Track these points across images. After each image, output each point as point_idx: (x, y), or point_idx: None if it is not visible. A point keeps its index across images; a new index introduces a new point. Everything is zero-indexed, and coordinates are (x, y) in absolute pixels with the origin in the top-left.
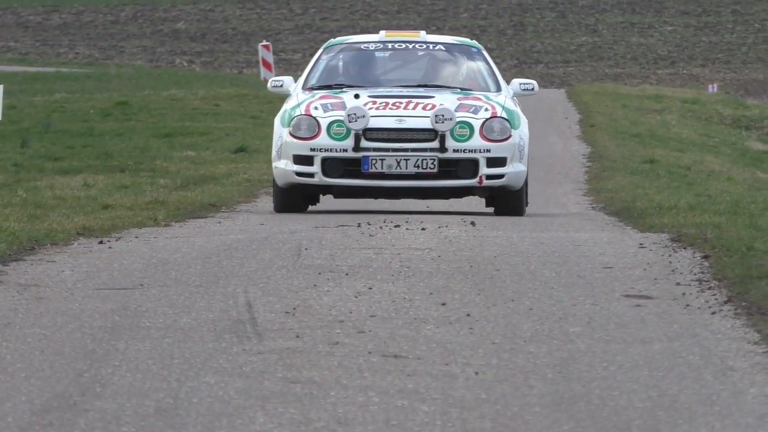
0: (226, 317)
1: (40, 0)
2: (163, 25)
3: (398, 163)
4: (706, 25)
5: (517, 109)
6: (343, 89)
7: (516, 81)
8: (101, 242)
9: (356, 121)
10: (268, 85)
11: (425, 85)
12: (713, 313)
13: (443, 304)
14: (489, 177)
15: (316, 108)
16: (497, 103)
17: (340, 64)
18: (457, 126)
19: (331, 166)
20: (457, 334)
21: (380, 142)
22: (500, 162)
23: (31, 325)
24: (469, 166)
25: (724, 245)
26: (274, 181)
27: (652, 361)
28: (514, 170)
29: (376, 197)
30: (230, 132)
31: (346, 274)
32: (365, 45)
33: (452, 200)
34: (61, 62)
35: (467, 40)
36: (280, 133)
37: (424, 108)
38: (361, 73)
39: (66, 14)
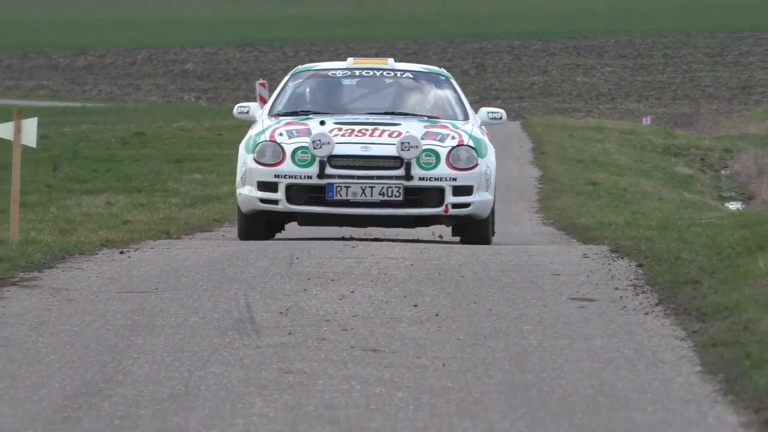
0: (229, 317)
1: (68, 44)
2: (173, 66)
3: (363, 190)
4: (641, 66)
5: (485, 138)
6: (309, 116)
7: (484, 110)
8: (121, 252)
9: (321, 147)
10: (234, 111)
11: (392, 113)
12: (646, 313)
13: (415, 306)
14: (455, 206)
15: (281, 134)
16: (464, 131)
17: (307, 90)
18: (423, 154)
19: (295, 193)
20: (427, 332)
21: (345, 169)
22: (466, 191)
23: (63, 323)
24: (435, 195)
25: (656, 255)
26: (238, 207)
27: (594, 355)
28: (480, 199)
29: (341, 225)
30: (232, 158)
31: (332, 280)
32: (332, 72)
33: (419, 228)
34: (86, 98)
35: (435, 68)
36: (245, 159)
37: (390, 135)
38: (327, 100)
39: (90, 57)
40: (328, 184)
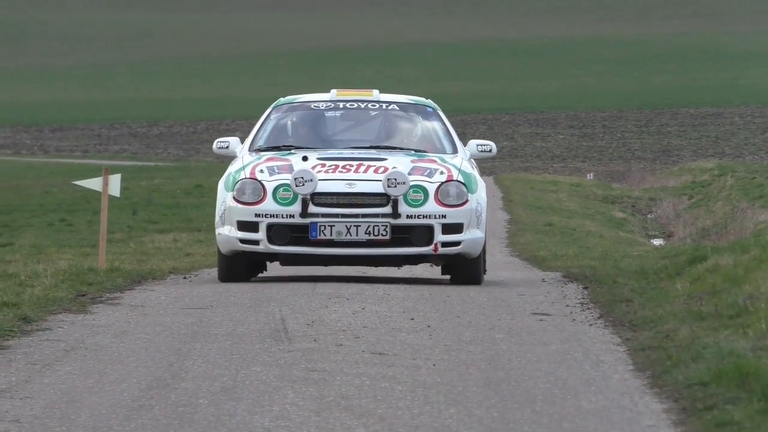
0: (267, 327)
1: (145, 117)
2: (225, 134)
3: (348, 229)
4: (585, 134)
5: (475, 172)
6: (292, 151)
7: (473, 142)
8: (185, 277)
9: (303, 185)
10: (214, 146)
11: (378, 147)
12: (590, 325)
13: (412, 319)
14: (444, 244)
15: (261, 171)
16: (453, 165)
17: (289, 124)
18: (411, 190)
19: (277, 232)
20: (421, 339)
21: (329, 207)
22: (456, 228)
23: (139, 332)
24: (424, 233)
25: (598, 280)
26: (218, 248)
27: (550, 357)
28: (471, 237)
29: (325, 264)
30: None
31: (347, 299)
32: (315, 104)
33: (407, 266)
34: (158, 159)
35: (422, 99)
36: (224, 197)
37: (375, 171)
38: (310, 133)
39: (162, 127)
40: (312, 223)
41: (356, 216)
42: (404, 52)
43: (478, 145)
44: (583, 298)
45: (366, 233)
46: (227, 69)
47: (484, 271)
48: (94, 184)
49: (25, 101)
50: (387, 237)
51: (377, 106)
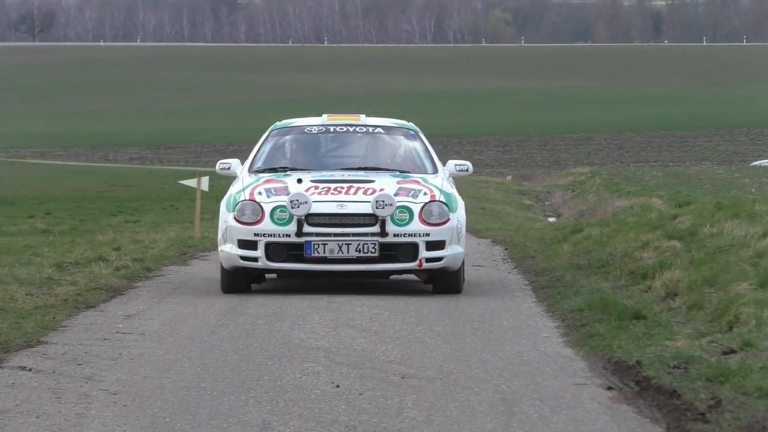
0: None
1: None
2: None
3: (340, 247)
4: (505, 150)
5: (454, 192)
6: (288, 172)
7: (451, 162)
8: None
9: (299, 207)
10: (216, 167)
11: (366, 168)
12: (509, 272)
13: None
14: (429, 260)
15: (260, 193)
16: (435, 186)
17: (285, 146)
18: (397, 210)
19: (274, 250)
20: (398, 285)
21: (322, 227)
22: (439, 245)
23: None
24: (409, 250)
25: (513, 243)
26: (220, 263)
27: (484, 293)
28: (452, 252)
29: (318, 278)
30: None
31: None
32: (309, 128)
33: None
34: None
35: (404, 123)
36: (225, 217)
37: (365, 193)
38: (304, 156)
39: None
40: (306, 242)
41: (347, 235)
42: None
43: (456, 165)
44: (504, 256)
45: (356, 251)
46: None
47: (463, 280)
48: (191, 182)
49: (149, 131)
50: (376, 254)
51: (364, 129)
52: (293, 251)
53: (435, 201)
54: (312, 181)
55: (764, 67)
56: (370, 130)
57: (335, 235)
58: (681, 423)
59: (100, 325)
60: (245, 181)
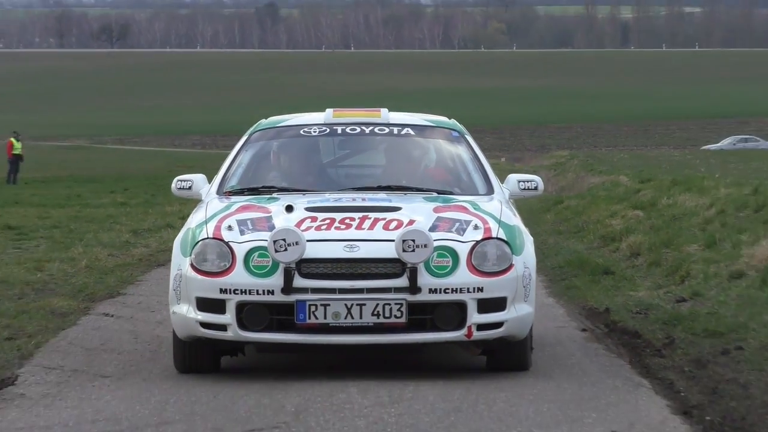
0: None
1: None
2: None
3: (349, 310)
4: (500, 138)
5: (519, 223)
6: (273, 195)
7: (514, 177)
8: None
9: (286, 250)
10: (173, 186)
11: (388, 188)
12: None
13: None
14: (482, 326)
15: (229, 228)
16: (490, 214)
17: (270, 155)
18: (435, 254)
19: (250, 314)
20: None
21: (323, 279)
22: (498, 304)
23: None
24: (454, 313)
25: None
26: (173, 331)
27: None
28: (517, 315)
29: (318, 353)
30: None
31: None
32: (305, 129)
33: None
34: None
35: (444, 120)
36: (179, 263)
37: (386, 227)
38: (297, 170)
39: None
40: (298, 301)
41: (360, 291)
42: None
43: (520, 182)
44: None
45: (374, 314)
46: None
47: (531, 348)
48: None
49: (207, 121)
50: (402, 320)
51: (386, 130)
52: (280, 315)
53: (492, 239)
54: (308, 209)
55: (713, 69)
56: (395, 130)
57: (342, 291)
58: (641, 358)
59: (168, 279)
60: (211, 208)
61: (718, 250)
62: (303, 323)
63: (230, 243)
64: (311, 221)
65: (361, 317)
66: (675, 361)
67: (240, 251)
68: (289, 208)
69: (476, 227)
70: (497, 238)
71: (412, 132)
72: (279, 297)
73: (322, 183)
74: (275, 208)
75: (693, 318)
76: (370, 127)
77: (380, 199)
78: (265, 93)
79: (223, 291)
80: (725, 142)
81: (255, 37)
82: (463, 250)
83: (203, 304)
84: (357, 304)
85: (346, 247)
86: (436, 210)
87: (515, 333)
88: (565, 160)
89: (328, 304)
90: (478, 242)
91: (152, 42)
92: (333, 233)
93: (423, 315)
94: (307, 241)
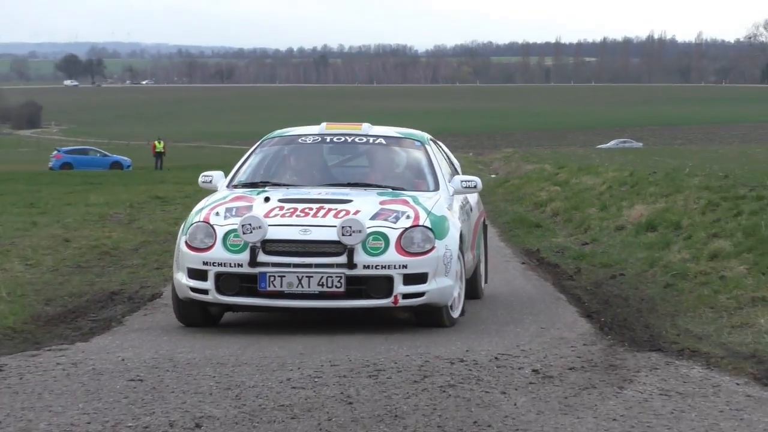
0: None
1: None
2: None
3: (300, 280)
4: (469, 140)
5: (448, 214)
6: (265, 188)
7: (458, 178)
8: None
9: (251, 232)
10: (199, 180)
11: (355, 184)
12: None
13: None
14: (406, 296)
15: (217, 213)
16: (424, 207)
17: (274, 158)
18: (371, 237)
19: (225, 282)
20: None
21: (281, 256)
22: (420, 278)
23: None
24: (383, 284)
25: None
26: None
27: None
28: (437, 286)
29: (276, 313)
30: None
31: None
32: (303, 138)
33: None
34: None
35: (413, 132)
36: (179, 240)
37: (336, 216)
38: (289, 169)
39: None
40: (261, 273)
41: (309, 266)
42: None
43: (462, 181)
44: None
45: (319, 285)
46: None
47: (462, 313)
48: None
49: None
50: (341, 289)
51: (364, 140)
52: (247, 283)
53: (419, 226)
54: (281, 200)
55: (603, 97)
56: (371, 140)
57: (295, 265)
58: (559, 280)
59: None
60: (214, 196)
61: (607, 211)
62: (264, 290)
63: (214, 225)
64: (279, 210)
65: (309, 287)
66: (581, 283)
67: (220, 232)
68: (267, 199)
69: (408, 217)
70: (423, 226)
71: (384, 142)
72: (246, 269)
73: (306, 180)
74: (258, 198)
75: (592, 255)
76: (353, 138)
77: (342, 193)
78: (319, 112)
79: (205, 263)
80: (611, 143)
81: (313, 76)
82: (393, 235)
83: (192, 273)
84: (306, 276)
85: (301, 230)
86: (382, 203)
87: (436, 301)
88: (509, 154)
89: (284, 276)
90: (406, 229)
91: (248, 79)
92: (293, 220)
93: (359, 286)
94: (271, 225)
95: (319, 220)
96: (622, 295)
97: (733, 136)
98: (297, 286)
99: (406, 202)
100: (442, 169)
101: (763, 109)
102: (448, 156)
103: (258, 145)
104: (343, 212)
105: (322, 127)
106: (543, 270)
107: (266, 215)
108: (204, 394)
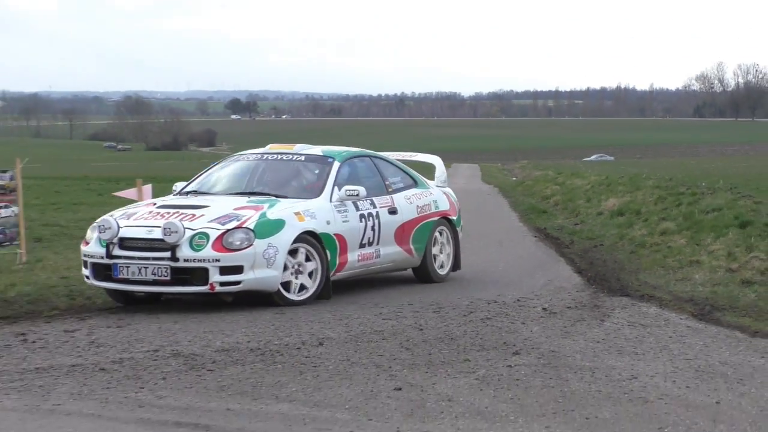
0: None
1: None
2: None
3: (140, 270)
4: (498, 156)
5: (287, 219)
6: (189, 196)
7: (346, 187)
8: None
9: (105, 232)
10: (173, 187)
11: (252, 193)
12: (501, 196)
13: None
14: (224, 284)
15: (111, 215)
16: (262, 214)
17: (221, 171)
18: (197, 236)
19: (95, 270)
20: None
21: (129, 250)
22: (236, 270)
23: None
24: (201, 274)
25: (502, 188)
26: None
27: (488, 205)
28: (255, 277)
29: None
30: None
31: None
32: (248, 156)
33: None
34: None
35: (333, 150)
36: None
37: (181, 219)
38: (225, 181)
39: None
40: (113, 264)
41: (147, 259)
42: None
43: (347, 190)
44: (498, 192)
45: (152, 274)
46: None
47: (459, 267)
48: (127, 193)
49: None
50: (168, 278)
51: (291, 157)
52: (107, 272)
53: (241, 228)
54: (161, 205)
55: (590, 129)
56: (294, 158)
57: (138, 258)
58: (559, 248)
59: None
60: (141, 203)
61: (591, 202)
62: (117, 277)
63: (101, 225)
64: (150, 213)
65: (146, 275)
66: (574, 250)
67: (95, 230)
68: (155, 204)
69: (239, 219)
70: (245, 227)
71: (303, 159)
72: (105, 260)
73: (226, 189)
74: (159, 203)
75: (581, 232)
76: (281, 156)
77: (207, 200)
78: (398, 137)
79: (85, 255)
80: (593, 157)
81: (394, 113)
82: (214, 235)
83: (84, 264)
84: (144, 267)
85: (147, 231)
86: (236, 209)
87: (258, 288)
88: (525, 165)
89: (129, 266)
90: (230, 230)
91: (351, 115)
92: (150, 222)
93: (184, 275)
94: (127, 226)
95: (163, 222)
96: (601, 259)
97: (675, 153)
98: (138, 275)
99: (255, 209)
100: (337, 180)
101: (693, 135)
102: (397, 166)
103: (220, 162)
104: (190, 216)
105: (267, 148)
106: (548, 241)
107: (134, 217)
108: (324, 322)
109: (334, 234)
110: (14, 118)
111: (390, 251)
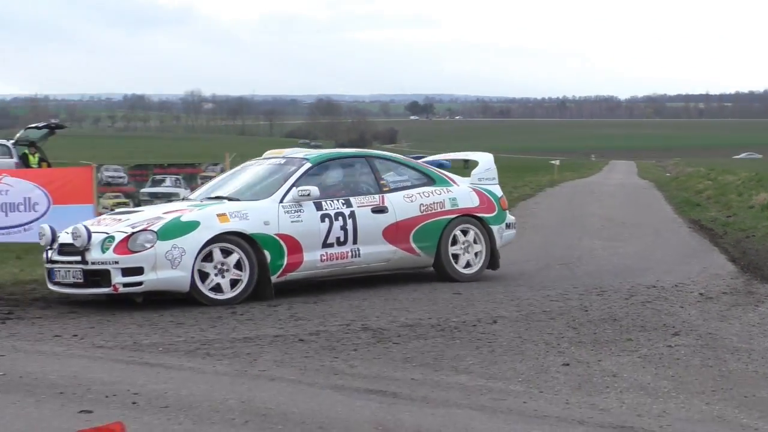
0: None
1: None
2: None
3: (66, 274)
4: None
5: (196, 220)
6: (183, 201)
7: (299, 188)
8: None
9: (41, 237)
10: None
11: (217, 197)
12: (653, 189)
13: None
14: (127, 284)
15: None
16: (176, 217)
17: (228, 176)
18: (106, 240)
19: (49, 274)
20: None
21: (62, 255)
22: (136, 271)
23: None
24: (106, 276)
25: (658, 183)
26: None
27: (636, 188)
28: (157, 278)
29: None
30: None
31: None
32: (252, 161)
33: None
34: None
35: (311, 154)
36: None
37: (109, 224)
38: (224, 185)
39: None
40: (50, 268)
41: (67, 263)
42: None
43: (299, 191)
44: (654, 186)
45: (72, 277)
46: None
47: (496, 266)
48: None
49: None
50: (81, 280)
51: (273, 161)
52: (50, 276)
53: (145, 230)
54: (117, 211)
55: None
56: (276, 161)
57: (62, 262)
58: (713, 238)
59: None
60: (138, 209)
61: (742, 197)
62: (53, 280)
63: (72, 231)
64: (106, 218)
65: (69, 278)
66: (727, 240)
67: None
68: (113, 210)
69: (149, 222)
70: (149, 230)
71: (282, 162)
72: (47, 266)
73: (199, 194)
74: (117, 210)
75: (732, 224)
76: (271, 160)
77: (152, 206)
78: (558, 135)
79: (44, 259)
80: (741, 155)
81: (557, 114)
82: (118, 237)
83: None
84: (65, 271)
85: (71, 236)
86: (164, 213)
87: (166, 289)
88: (677, 162)
89: (59, 271)
90: (134, 232)
91: (518, 115)
92: (98, 227)
93: (96, 277)
94: (66, 232)
95: (93, 227)
96: (754, 248)
97: None
98: (65, 278)
99: (183, 212)
100: (299, 181)
101: None
102: (408, 165)
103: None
104: (118, 221)
105: (266, 154)
106: (702, 232)
107: (99, 223)
108: (497, 302)
109: (276, 234)
110: (222, 118)
111: (377, 250)
